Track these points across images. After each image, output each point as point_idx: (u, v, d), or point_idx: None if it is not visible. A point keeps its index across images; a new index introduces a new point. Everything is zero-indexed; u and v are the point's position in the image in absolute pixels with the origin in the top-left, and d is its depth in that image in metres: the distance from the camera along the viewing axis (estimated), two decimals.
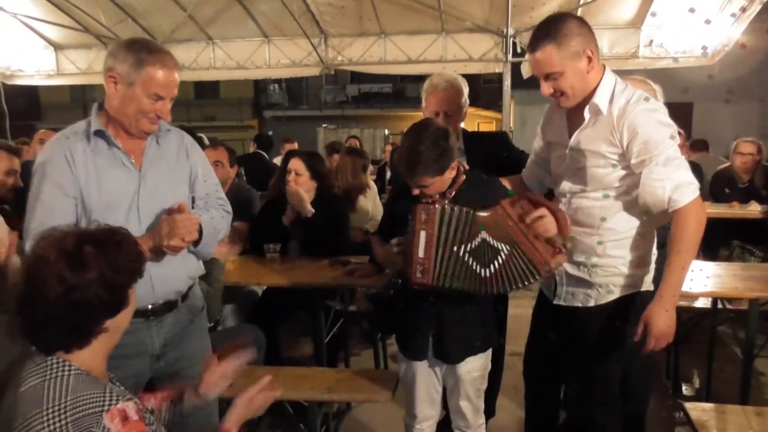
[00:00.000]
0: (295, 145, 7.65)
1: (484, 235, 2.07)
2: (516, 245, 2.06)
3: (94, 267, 1.37)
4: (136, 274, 1.49)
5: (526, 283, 2.08)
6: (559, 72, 2.05)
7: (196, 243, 2.04)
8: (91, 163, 1.93)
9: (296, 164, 3.55)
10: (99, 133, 1.95)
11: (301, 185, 3.52)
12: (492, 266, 2.07)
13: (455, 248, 2.08)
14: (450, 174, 2.18)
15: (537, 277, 2.07)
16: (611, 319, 2.22)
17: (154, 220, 1.99)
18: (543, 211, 2.05)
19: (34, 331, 1.39)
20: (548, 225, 2.05)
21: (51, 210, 1.87)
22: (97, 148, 1.95)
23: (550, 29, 2.04)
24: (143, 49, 1.90)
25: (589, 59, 2.05)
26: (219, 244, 2.78)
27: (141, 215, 1.98)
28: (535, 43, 2.07)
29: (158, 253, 1.95)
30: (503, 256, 2.06)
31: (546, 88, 2.11)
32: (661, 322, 2.04)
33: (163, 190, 2.02)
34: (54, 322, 1.36)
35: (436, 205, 2.09)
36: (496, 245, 2.07)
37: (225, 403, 2.42)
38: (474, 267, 2.08)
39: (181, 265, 2.06)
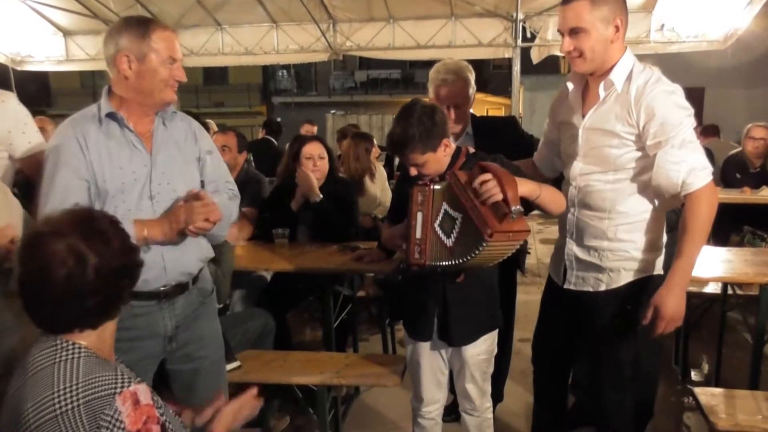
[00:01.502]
0: (315, 129, 7.65)
1: (445, 206, 2.07)
2: (465, 211, 2.00)
3: (114, 237, 1.40)
4: (132, 251, 1.51)
5: (479, 249, 1.94)
6: (585, 29, 2.03)
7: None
8: (104, 146, 1.94)
9: (319, 149, 3.55)
10: (111, 116, 1.96)
11: (322, 169, 3.54)
12: (453, 235, 2.04)
13: (434, 225, 2.08)
14: (444, 152, 2.17)
15: (483, 242, 1.92)
16: (622, 304, 2.21)
17: (167, 202, 2.01)
18: (487, 175, 1.95)
19: (50, 313, 1.38)
20: (492, 189, 1.92)
21: (65, 194, 1.88)
22: (109, 131, 1.96)
23: None
24: (140, 23, 1.93)
25: (617, 29, 2.04)
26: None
27: (154, 196, 1.99)
28: None
29: (172, 238, 1.96)
30: (458, 224, 2.03)
31: (567, 43, 2.08)
32: (671, 305, 2.03)
33: (175, 171, 2.03)
34: (94, 295, 1.36)
35: (431, 186, 2.10)
36: (453, 214, 2.05)
37: (235, 386, 2.45)
38: (443, 239, 2.06)
39: (194, 248, 2.08)
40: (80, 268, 1.34)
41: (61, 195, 1.87)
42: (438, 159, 2.16)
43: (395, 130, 2.14)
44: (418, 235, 2.08)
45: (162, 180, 2.00)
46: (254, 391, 1.72)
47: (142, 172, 1.98)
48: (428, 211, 2.08)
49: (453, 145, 2.21)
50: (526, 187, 2.01)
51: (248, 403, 1.71)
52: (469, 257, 1.97)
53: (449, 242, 2.05)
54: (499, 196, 1.91)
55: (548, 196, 2.10)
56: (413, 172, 2.17)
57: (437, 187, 2.10)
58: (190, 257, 2.08)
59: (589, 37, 2.04)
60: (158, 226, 1.92)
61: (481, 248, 1.92)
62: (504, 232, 1.90)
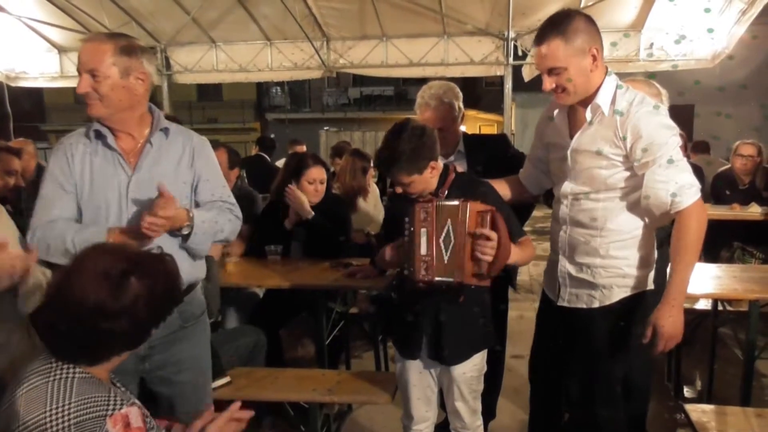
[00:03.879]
0: (304, 148, 7.64)
1: (449, 224, 2.09)
2: (454, 243, 2.07)
3: (132, 302, 1.37)
4: (163, 316, 1.49)
5: (446, 279, 2.08)
6: (563, 67, 2.06)
7: (186, 237, 2.02)
8: (88, 162, 1.99)
9: (322, 174, 3.58)
10: (97, 133, 2.00)
11: (321, 193, 3.56)
12: (447, 252, 2.08)
13: (439, 240, 2.10)
14: (431, 174, 2.19)
15: (450, 279, 2.07)
16: (615, 320, 2.22)
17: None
18: (493, 235, 2.02)
19: (52, 335, 1.39)
20: (487, 249, 2.02)
21: (49, 204, 1.95)
22: (96, 148, 2.01)
23: (558, 24, 2.05)
24: None
25: (594, 58, 2.06)
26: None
27: (130, 215, 1.98)
28: (541, 37, 2.08)
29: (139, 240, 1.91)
30: (450, 247, 2.08)
31: (548, 82, 2.11)
32: (669, 324, 2.04)
33: (155, 188, 1.98)
34: (73, 337, 1.36)
35: (434, 203, 2.11)
36: (451, 236, 2.08)
37: (226, 403, 2.44)
38: (443, 254, 2.09)
39: None
40: (100, 317, 1.34)
41: (46, 205, 1.96)
42: (424, 180, 2.18)
43: (383, 149, 2.16)
44: (424, 251, 2.09)
45: (140, 196, 1.99)
46: (238, 404, 1.67)
47: (121, 189, 1.99)
48: (432, 227, 2.10)
49: (440, 165, 2.23)
50: (513, 257, 2.13)
51: (235, 420, 1.66)
52: (446, 278, 2.09)
53: (445, 258, 2.09)
54: (488, 259, 2.03)
55: (522, 259, 2.26)
56: (398, 190, 2.19)
57: (447, 203, 2.11)
58: None
59: (567, 74, 2.07)
60: (121, 237, 1.89)
61: (446, 281, 2.08)
62: (468, 284, 2.11)
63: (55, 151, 2.02)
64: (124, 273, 1.37)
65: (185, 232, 2.01)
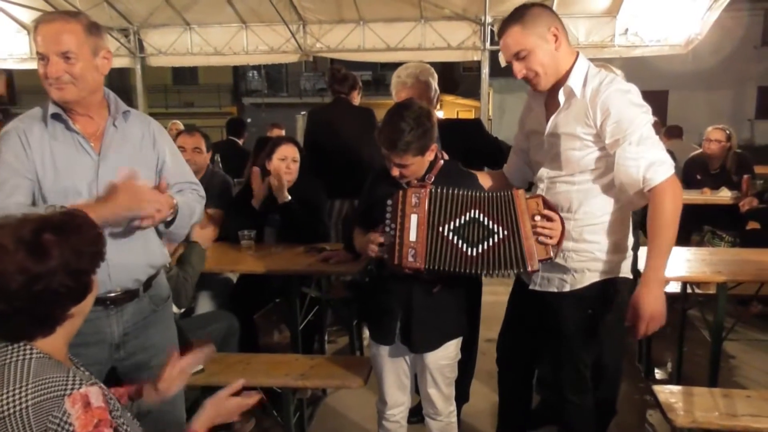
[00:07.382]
0: (283, 132, 7.58)
1: (474, 214, 2.09)
2: (516, 232, 2.07)
3: (56, 254, 1.33)
4: (98, 257, 1.45)
5: (512, 270, 2.10)
6: (527, 49, 2.10)
7: (169, 223, 1.99)
8: (48, 147, 1.88)
9: (294, 152, 3.53)
10: (56, 117, 1.90)
11: (294, 172, 3.52)
12: (481, 246, 2.08)
13: (440, 228, 2.09)
14: (429, 156, 2.19)
15: (524, 268, 2.08)
16: (586, 305, 2.23)
17: None
18: (557, 217, 2.10)
19: (1, 322, 1.35)
20: (554, 231, 2.09)
21: (11, 190, 1.83)
22: (55, 132, 1.91)
23: (515, 14, 2.13)
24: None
25: (556, 37, 2.10)
26: (199, 228, 2.67)
27: (101, 197, 1.90)
28: (502, 29, 2.15)
29: (115, 224, 1.86)
30: (496, 239, 2.08)
31: (518, 69, 2.15)
32: (650, 305, 2.03)
33: (125, 172, 1.92)
34: (18, 313, 1.32)
35: (427, 189, 2.10)
36: (490, 226, 2.08)
37: (199, 390, 2.42)
38: (458, 244, 2.08)
39: (142, 253, 2.01)
40: (32, 282, 1.31)
41: (5, 193, 1.82)
42: (423, 162, 2.18)
43: (389, 129, 2.12)
44: (413, 237, 2.07)
45: (111, 180, 1.91)
46: (241, 382, 1.68)
47: (89, 176, 1.92)
48: (424, 213, 2.08)
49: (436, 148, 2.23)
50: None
51: (235, 400, 1.66)
52: (492, 270, 2.10)
53: (472, 250, 2.08)
54: (554, 242, 2.09)
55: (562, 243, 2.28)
56: (395, 172, 2.17)
57: (461, 192, 2.11)
58: (137, 263, 2.00)
59: (533, 56, 2.11)
60: (93, 212, 1.70)
61: (514, 271, 2.12)
62: (537, 271, 2.16)
63: (6, 136, 1.88)
64: (35, 231, 1.34)
65: (170, 218, 1.97)
